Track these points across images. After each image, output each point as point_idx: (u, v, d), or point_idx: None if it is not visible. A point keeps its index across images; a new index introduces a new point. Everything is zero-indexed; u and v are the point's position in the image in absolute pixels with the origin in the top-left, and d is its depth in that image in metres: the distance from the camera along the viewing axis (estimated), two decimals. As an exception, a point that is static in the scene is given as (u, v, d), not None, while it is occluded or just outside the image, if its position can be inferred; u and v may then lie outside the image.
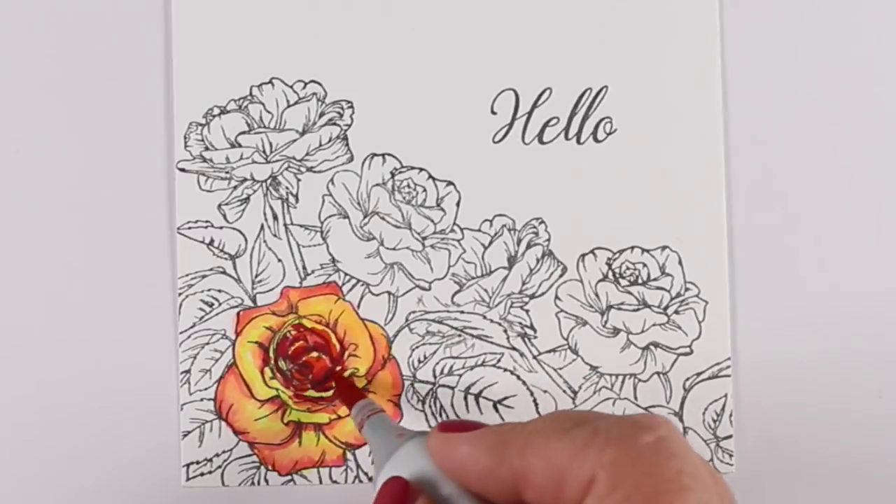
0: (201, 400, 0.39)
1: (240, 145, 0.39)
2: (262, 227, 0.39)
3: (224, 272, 0.39)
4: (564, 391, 0.39)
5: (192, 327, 0.39)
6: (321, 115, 0.39)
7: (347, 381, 0.38)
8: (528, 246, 0.39)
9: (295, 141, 0.39)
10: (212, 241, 0.39)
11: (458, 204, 0.39)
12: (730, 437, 0.38)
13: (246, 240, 0.39)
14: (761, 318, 0.39)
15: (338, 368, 0.39)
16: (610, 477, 0.23)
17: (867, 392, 0.39)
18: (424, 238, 0.39)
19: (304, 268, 0.39)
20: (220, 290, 0.39)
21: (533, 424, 0.25)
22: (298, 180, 0.39)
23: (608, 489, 0.23)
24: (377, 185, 0.39)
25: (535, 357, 0.39)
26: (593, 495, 0.23)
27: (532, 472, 0.24)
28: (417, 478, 0.27)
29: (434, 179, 0.39)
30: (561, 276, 0.39)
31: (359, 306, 0.39)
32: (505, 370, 0.39)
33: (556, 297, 0.39)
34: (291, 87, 0.39)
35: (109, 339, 0.39)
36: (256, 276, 0.39)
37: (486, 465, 0.25)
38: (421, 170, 0.39)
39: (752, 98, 0.39)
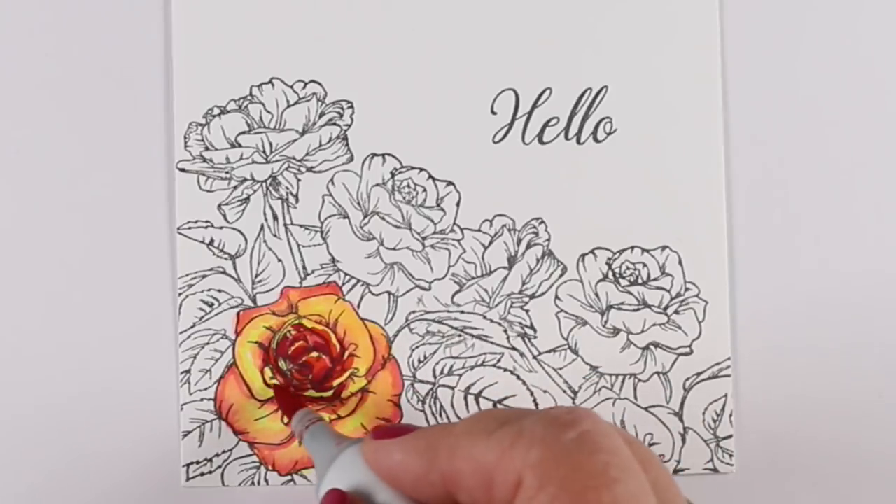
0: (201, 400, 0.39)
1: (240, 145, 0.39)
2: (262, 227, 0.39)
3: (224, 272, 0.39)
4: (564, 391, 0.39)
5: (192, 327, 0.39)
6: (321, 115, 0.39)
7: (286, 391, 0.38)
8: (528, 246, 0.39)
9: (295, 141, 0.39)
10: (212, 241, 0.39)
11: (458, 204, 0.39)
12: (730, 437, 0.38)
13: (246, 240, 0.39)
14: (761, 319, 0.39)
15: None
16: (536, 477, 0.23)
17: (867, 392, 0.39)
18: (424, 238, 0.39)
19: (304, 268, 0.39)
20: (220, 290, 0.39)
21: (460, 427, 0.25)
22: (298, 180, 0.39)
23: (535, 489, 0.23)
24: (377, 185, 0.39)
25: (535, 357, 0.39)
26: (522, 496, 0.23)
27: (461, 475, 0.24)
28: (355, 487, 0.27)
29: (434, 179, 0.39)
30: (561, 276, 0.39)
31: (359, 306, 0.39)
32: (505, 370, 0.39)
33: (556, 297, 0.39)
34: (291, 87, 0.39)
35: (109, 339, 0.39)
36: (256, 276, 0.39)
37: (417, 470, 0.25)
38: (421, 170, 0.39)
39: (752, 98, 0.39)
